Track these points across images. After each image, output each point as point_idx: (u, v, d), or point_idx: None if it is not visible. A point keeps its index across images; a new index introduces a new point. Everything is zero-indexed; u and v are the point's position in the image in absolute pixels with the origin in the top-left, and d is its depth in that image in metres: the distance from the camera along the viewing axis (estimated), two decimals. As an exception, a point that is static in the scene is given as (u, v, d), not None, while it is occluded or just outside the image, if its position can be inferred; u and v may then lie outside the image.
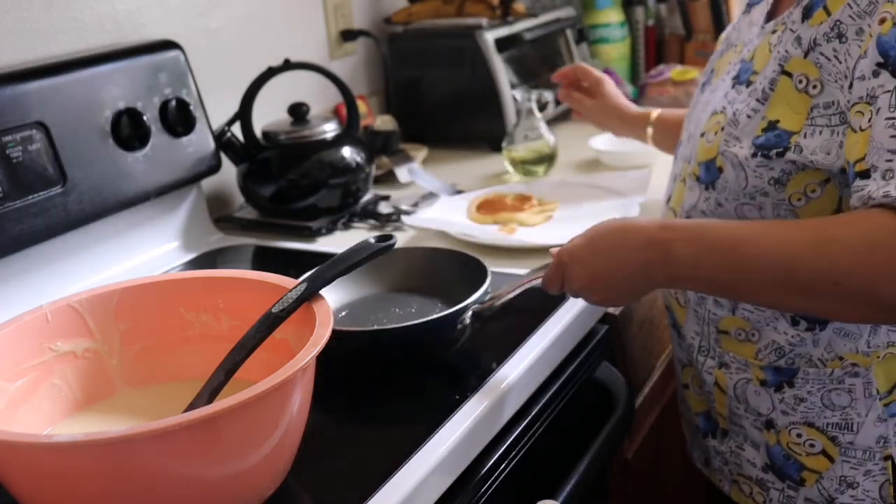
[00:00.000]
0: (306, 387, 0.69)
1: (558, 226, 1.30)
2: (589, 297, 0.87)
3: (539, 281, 0.90)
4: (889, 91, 0.75)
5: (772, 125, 0.86)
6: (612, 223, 0.85)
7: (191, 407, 0.71)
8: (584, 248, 0.85)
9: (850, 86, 0.79)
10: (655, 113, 1.34)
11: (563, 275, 0.87)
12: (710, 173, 0.92)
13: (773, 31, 0.90)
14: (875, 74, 0.76)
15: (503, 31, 1.71)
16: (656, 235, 0.81)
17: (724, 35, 1.08)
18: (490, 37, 1.68)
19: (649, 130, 1.34)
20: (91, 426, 0.75)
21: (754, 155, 0.87)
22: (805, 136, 0.83)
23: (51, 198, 1.05)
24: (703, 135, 0.95)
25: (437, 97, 1.76)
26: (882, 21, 0.76)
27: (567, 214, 1.34)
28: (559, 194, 1.39)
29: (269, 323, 0.73)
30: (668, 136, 1.31)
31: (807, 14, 0.85)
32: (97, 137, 1.12)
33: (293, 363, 0.64)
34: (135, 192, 1.17)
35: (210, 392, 0.71)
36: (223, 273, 0.83)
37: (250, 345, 0.72)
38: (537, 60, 1.87)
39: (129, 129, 1.16)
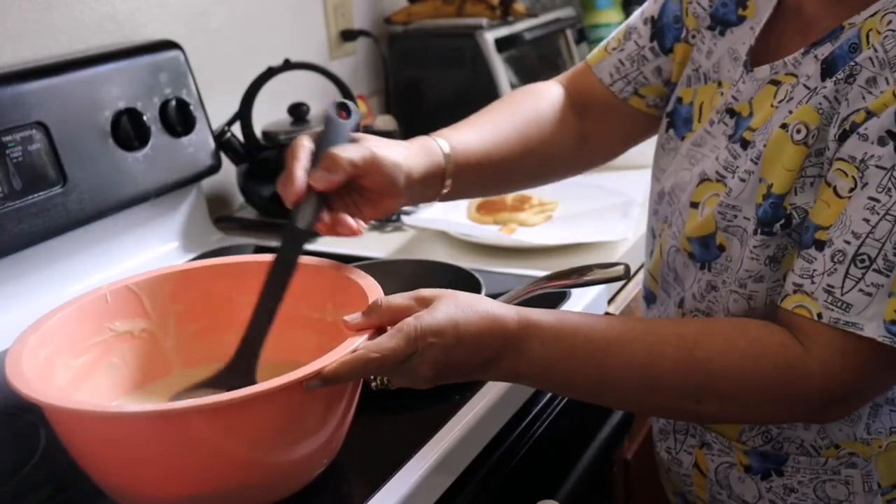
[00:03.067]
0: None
1: (558, 226, 1.30)
2: (413, 384, 0.71)
3: (536, 293, 0.88)
4: (885, 169, 0.66)
5: (769, 191, 0.74)
6: (471, 306, 0.70)
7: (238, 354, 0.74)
8: (450, 330, 0.68)
9: (842, 136, 0.69)
10: (445, 147, 0.88)
11: (414, 351, 0.68)
12: (708, 252, 0.81)
13: (775, 82, 0.78)
14: (881, 142, 0.66)
15: (503, 31, 1.71)
16: (514, 330, 0.71)
17: (679, 46, 0.91)
18: (490, 37, 1.68)
19: (448, 184, 0.87)
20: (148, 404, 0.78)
21: (755, 231, 0.75)
22: (796, 193, 0.73)
23: (51, 198, 1.05)
24: (695, 205, 0.82)
25: (437, 97, 1.75)
26: None
27: (567, 214, 1.34)
28: (559, 194, 1.39)
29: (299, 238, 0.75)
30: (472, 184, 0.93)
31: (828, 72, 0.72)
32: (97, 137, 1.12)
33: (348, 343, 0.66)
34: (135, 192, 1.17)
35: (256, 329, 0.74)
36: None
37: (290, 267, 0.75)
38: (537, 60, 1.86)
39: (129, 129, 1.16)
